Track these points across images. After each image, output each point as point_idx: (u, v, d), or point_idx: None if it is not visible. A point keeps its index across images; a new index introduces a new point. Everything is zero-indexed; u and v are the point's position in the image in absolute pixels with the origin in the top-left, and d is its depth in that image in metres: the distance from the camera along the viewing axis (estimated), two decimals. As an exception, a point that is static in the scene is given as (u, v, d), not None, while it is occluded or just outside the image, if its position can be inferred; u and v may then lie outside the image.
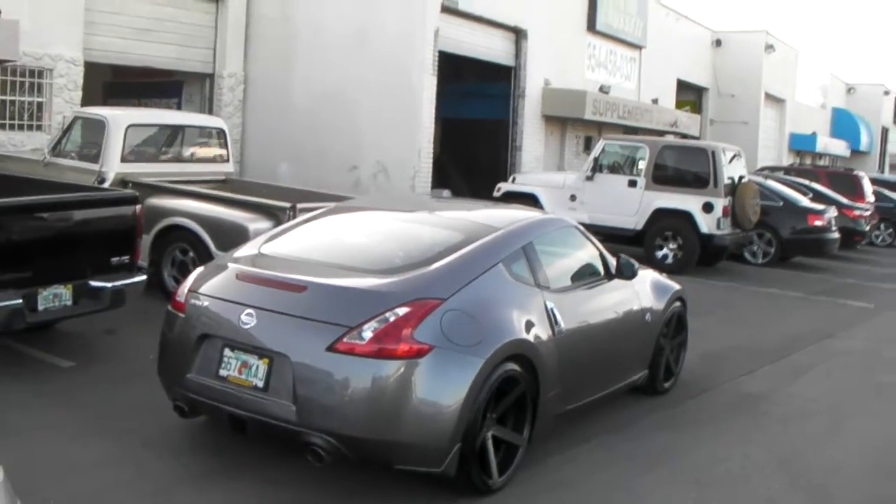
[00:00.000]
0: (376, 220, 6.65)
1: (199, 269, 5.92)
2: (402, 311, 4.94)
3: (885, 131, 49.80)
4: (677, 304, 7.96)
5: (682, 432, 6.87)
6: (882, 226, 25.19)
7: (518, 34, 21.04)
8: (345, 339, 4.85)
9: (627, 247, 14.87)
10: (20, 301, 6.77)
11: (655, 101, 26.86)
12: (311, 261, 5.66)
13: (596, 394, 6.55)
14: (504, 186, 17.78)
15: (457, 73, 20.89)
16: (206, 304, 5.42)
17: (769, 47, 33.31)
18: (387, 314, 4.92)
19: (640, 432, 6.76)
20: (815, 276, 17.32)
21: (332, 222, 6.56)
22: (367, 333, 4.85)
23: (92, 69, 15.73)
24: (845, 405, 8.15)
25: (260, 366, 5.08)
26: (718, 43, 32.96)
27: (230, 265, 5.70)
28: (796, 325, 11.98)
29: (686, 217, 15.44)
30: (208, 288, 5.51)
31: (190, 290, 5.57)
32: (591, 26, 23.81)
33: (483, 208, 7.45)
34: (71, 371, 7.29)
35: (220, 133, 12.14)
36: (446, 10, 18.13)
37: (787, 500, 5.68)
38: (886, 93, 49.29)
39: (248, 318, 5.14)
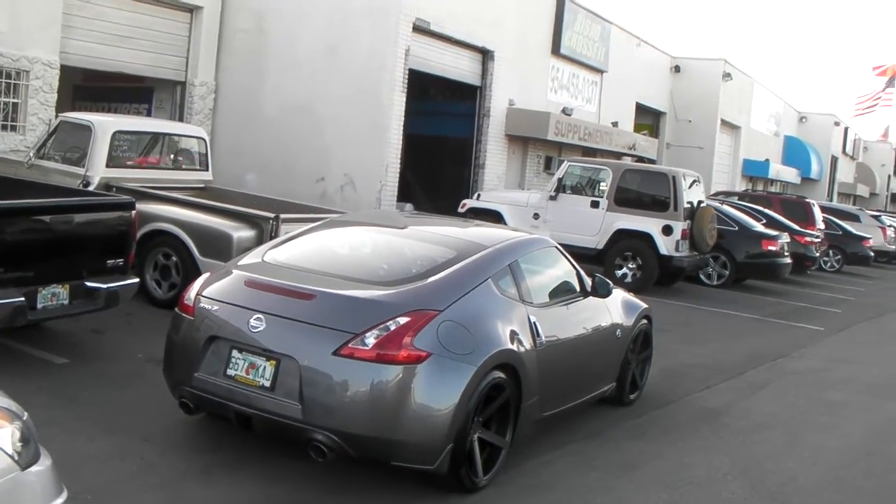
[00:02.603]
0: (371, 235, 7.00)
1: (206, 276, 6.24)
2: (402, 320, 5.33)
3: (834, 160, 51.15)
4: (644, 321, 8.43)
5: (648, 441, 7.32)
6: (831, 252, 26.07)
7: (485, 55, 21.47)
8: (350, 345, 5.23)
9: (588, 265, 15.31)
10: (22, 299, 7.01)
11: (615, 125, 27.45)
12: (315, 271, 6.00)
13: (570, 403, 6.98)
14: (469, 203, 18.21)
15: (423, 90, 21.29)
16: (214, 308, 5.76)
17: (726, 75, 34.15)
18: (389, 323, 5.31)
19: (610, 440, 7.22)
20: (767, 299, 17.99)
21: (329, 235, 6.93)
22: (371, 340, 5.23)
23: (62, 72, 15.85)
24: (799, 420, 8.67)
25: (267, 367, 5.42)
26: (677, 69, 33.69)
27: (236, 272, 6.04)
28: (751, 344, 12.54)
29: (646, 238, 15.97)
30: (217, 293, 5.84)
31: (198, 295, 5.90)
32: (556, 50, 24.35)
33: (468, 226, 7.84)
34: (65, 368, 7.55)
35: (201, 142, 12.45)
36: (418, 29, 18.49)
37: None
38: (837, 123, 50.65)
39: (257, 323, 5.48)
